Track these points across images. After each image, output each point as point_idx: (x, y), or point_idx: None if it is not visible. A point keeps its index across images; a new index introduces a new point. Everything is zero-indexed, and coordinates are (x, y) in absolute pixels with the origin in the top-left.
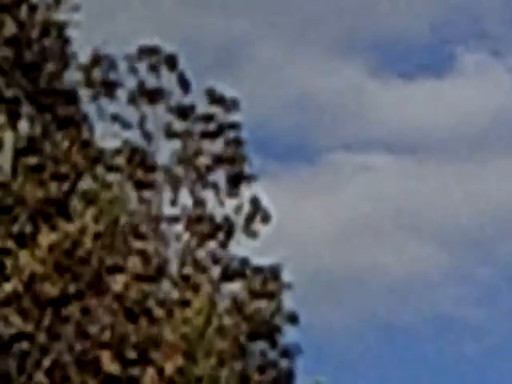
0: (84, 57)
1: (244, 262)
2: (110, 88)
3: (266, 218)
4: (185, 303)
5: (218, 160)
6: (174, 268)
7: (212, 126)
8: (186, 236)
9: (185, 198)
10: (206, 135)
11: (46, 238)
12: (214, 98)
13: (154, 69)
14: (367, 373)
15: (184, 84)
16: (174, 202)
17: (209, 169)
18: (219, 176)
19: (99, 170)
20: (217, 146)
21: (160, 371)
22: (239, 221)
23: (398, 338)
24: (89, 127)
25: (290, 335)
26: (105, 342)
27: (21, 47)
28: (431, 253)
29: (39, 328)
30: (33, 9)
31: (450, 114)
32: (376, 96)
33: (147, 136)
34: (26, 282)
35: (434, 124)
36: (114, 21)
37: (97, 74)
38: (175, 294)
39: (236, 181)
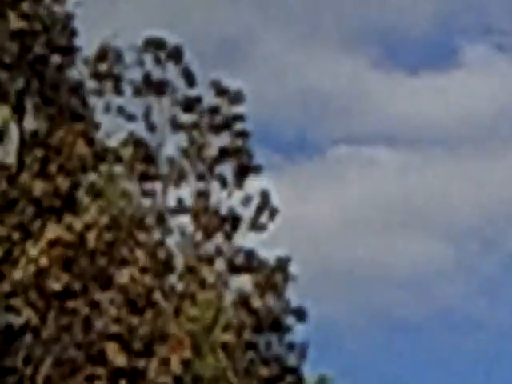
0: (91, 50)
1: (250, 254)
2: (116, 81)
3: (273, 213)
4: (191, 297)
5: (224, 152)
6: (179, 261)
7: (218, 119)
8: (191, 229)
9: (190, 190)
10: (212, 128)
11: (51, 231)
12: (220, 90)
13: (159, 61)
14: (373, 366)
15: (189, 77)
16: (179, 195)
17: (215, 161)
18: (225, 168)
19: (105, 163)
20: (223, 138)
21: (165, 364)
22: (245, 214)
23: (403, 331)
24: (95, 120)
25: (295, 329)
26: (111, 335)
27: (26, 40)
28: (436, 246)
29: (46, 321)
30: (37, 2)
31: (454, 107)
32: (380, 89)
33: (152, 128)
34: (33, 274)
35: (438, 117)
36: (120, 14)
37: (103, 67)
38: (181, 287)
39: (242, 173)
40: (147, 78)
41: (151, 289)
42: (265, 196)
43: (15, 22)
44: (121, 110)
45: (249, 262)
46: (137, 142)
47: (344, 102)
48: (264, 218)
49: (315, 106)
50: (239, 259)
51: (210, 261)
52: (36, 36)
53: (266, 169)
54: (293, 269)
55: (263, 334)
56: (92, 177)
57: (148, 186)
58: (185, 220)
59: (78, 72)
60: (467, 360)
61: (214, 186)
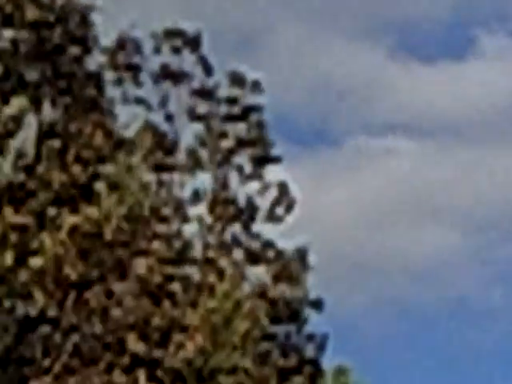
0: (109, 40)
1: (268, 244)
2: (134, 71)
3: (291, 205)
4: (209, 288)
5: (241, 142)
6: (196, 250)
7: (235, 109)
8: (208, 218)
9: (207, 180)
10: (230, 118)
11: (69, 221)
12: (237, 80)
13: (177, 51)
14: (389, 356)
15: (206, 66)
16: (196, 184)
17: (232, 151)
18: (242, 158)
19: (122, 153)
20: (240, 128)
21: (181, 350)
22: (263, 204)
23: (419, 321)
24: (112, 111)
25: (313, 319)
26: (129, 324)
27: (43, 31)
28: (452, 236)
29: (63, 310)
30: None
31: (471, 96)
32: (397, 79)
33: (170, 118)
34: (50, 263)
35: (454, 107)
36: (138, 3)
37: (121, 58)
38: (198, 277)
39: (260, 163)
40: (165, 67)
41: (168, 279)
42: (283, 187)
43: (31, 13)
44: (138, 100)
45: (267, 252)
46: (154, 132)
47: (361, 92)
48: (281, 209)
49: (332, 96)
50: (257, 249)
51: (227, 251)
52: (53, 26)
53: (284, 160)
54: (310, 259)
55: (281, 324)
56: (109, 167)
57: (165, 175)
58: (202, 210)
59: (96, 62)
60: (483, 350)
61: (232, 175)
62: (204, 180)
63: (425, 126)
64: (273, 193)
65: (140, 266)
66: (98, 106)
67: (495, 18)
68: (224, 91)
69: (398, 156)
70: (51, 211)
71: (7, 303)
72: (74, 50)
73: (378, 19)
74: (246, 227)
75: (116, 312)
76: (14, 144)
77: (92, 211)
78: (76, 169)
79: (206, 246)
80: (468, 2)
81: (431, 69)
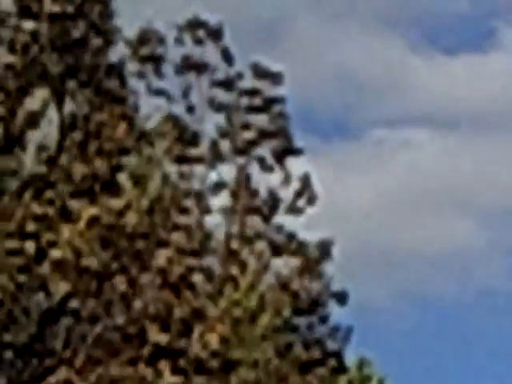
0: (132, 32)
1: (290, 236)
2: (156, 63)
3: (313, 199)
4: (231, 279)
5: (263, 134)
6: (218, 242)
7: (257, 100)
8: (230, 210)
9: (229, 171)
10: (252, 109)
11: (86, 211)
12: (259, 71)
13: (199, 41)
14: (413, 349)
15: (228, 57)
16: (218, 176)
17: (253, 143)
18: (264, 150)
19: (144, 145)
20: (262, 119)
21: (204, 341)
22: (285, 195)
23: (442, 312)
24: (134, 102)
25: (336, 311)
26: (151, 315)
27: (64, 23)
28: (474, 227)
29: (85, 301)
30: None
31: (492, 88)
32: (418, 71)
33: (191, 109)
34: (71, 254)
35: (476, 99)
36: None
37: (144, 50)
38: (219, 268)
39: (282, 155)
40: (187, 58)
41: (189, 270)
42: (305, 179)
43: (49, 5)
44: (160, 92)
45: (289, 244)
46: (175, 123)
47: (381, 84)
48: (303, 202)
49: (353, 88)
50: (280, 241)
51: (250, 242)
52: (74, 18)
53: (304, 152)
54: (334, 251)
55: (303, 316)
56: (132, 159)
57: (186, 167)
58: (224, 201)
59: (119, 54)
60: (506, 339)
61: (253, 167)
62: (225, 171)
63: (445, 118)
64: (294, 185)
65: (161, 257)
66: (120, 98)
67: None
68: (246, 83)
69: (418, 147)
70: (72, 203)
71: (29, 294)
72: (96, 42)
73: (400, 11)
74: (268, 219)
75: (137, 303)
76: (36, 136)
77: (112, 203)
78: (98, 161)
79: (229, 238)
80: None
81: (453, 60)
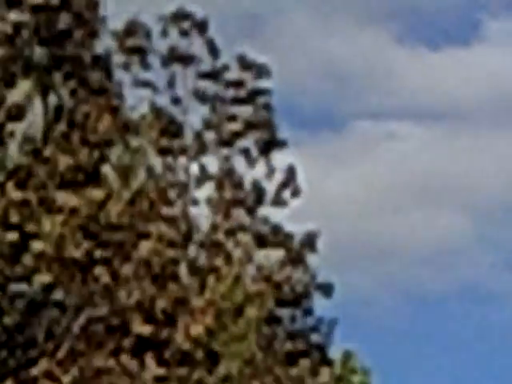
0: (117, 23)
1: (275, 228)
2: (142, 54)
3: (297, 191)
4: (215, 270)
5: (248, 125)
6: (203, 233)
7: (242, 92)
8: (214, 202)
9: (213, 163)
10: (237, 101)
11: (67, 202)
12: (245, 63)
13: (185, 33)
14: (397, 342)
15: (214, 49)
16: (202, 168)
17: (238, 134)
18: (249, 142)
19: (129, 136)
20: (247, 111)
21: (188, 332)
22: (269, 188)
23: (428, 306)
24: (119, 94)
25: (320, 304)
26: (134, 306)
27: (49, 14)
28: (460, 221)
29: (68, 292)
30: None
31: (476, 81)
32: (403, 64)
33: (176, 100)
34: (53, 245)
35: (460, 92)
36: None
37: (131, 42)
38: (204, 260)
39: (266, 147)
40: (173, 49)
41: (172, 260)
42: (291, 171)
43: None
44: (146, 83)
45: (274, 236)
46: (160, 114)
47: (367, 76)
48: (288, 193)
49: (338, 80)
50: (264, 233)
51: (233, 233)
52: (58, 10)
53: (289, 144)
54: (319, 243)
55: (287, 307)
56: (117, 151)
57: (171, 158)
58: (208, 192)
59: (104, 45)
60: (492, 335)
61: (238, 158)
62: (210, 163)
63: (431, 111)
64: (279, 177)
65: (143, 248)
66: (104, 89)
67: (500, 3)
68: (232, 74)
69: (403, 141)
70: (55, 194)
71: (13, 286)
72: (81, 33)
73: (385, 4)
74: (253, 211)
75: (121, 294)
76: (20, 128)
77: (94, 193)
78: (82, 153)
79: (213, 229)
80: None
81: (437, 54)
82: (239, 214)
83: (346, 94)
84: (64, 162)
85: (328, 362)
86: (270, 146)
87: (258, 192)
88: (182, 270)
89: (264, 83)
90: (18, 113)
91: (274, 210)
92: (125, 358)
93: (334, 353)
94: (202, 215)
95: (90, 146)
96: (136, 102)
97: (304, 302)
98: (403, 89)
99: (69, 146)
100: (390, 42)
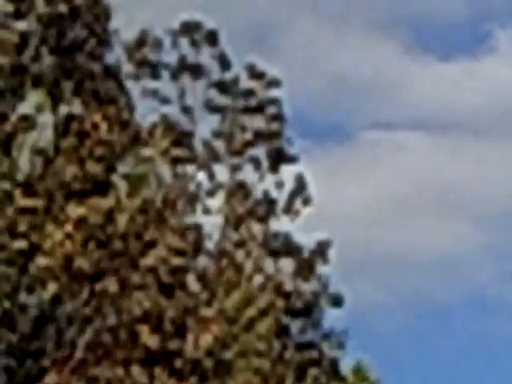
0: (128, 35)
1: (287, 238)
2: (153, 68)
3: (307, 200)
4: (225, 281)
5: (259, 136)
6: (213, 243)
7: (252, 102)
8: (225, 212)
9: (224, 173)
10: (247, 111)
11: (74, 212)
12: (255, 73)
13: (195, 45)
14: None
15: (224, 60)
16: (212, 177)
17: (249, 144)
18: (259, 152)
19: (138, 146)
20: (257, 121)
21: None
22: (280, 198)
23: (435, 316)
24: (130, 105)
25: (331, 314)
26: (142, 317)
27: (59, 25)
28: (468, 231)
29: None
30: None
31: (485, 92)
32: (412, 74)
33: (187, 110)
34: (60, 257)
35: (469, 103)
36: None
37: (141, 54)
38: (213, 269)
39: (277, 158)
40: (183, 61)
41: (181, 270)
42: (300, 181)
43: (41, 7)
44: (156, 94)
45: (284, 247)
46: (170, 125)
47: (376, 87)
48: (298, 204)
49: (346, 91)
50: (276, 243)
51: (244, 244)
52: (67, 20)
53: (298, 154)
54: (330, 253)
55: (296, 318)
56: (127, 161)
57: (181, 168)
58: (218, 203)
59: (115, 57)
60: (499, 344)
61: (248, 169)
62: (220, 173)
63: (438, 121)
64: (289, 187)
65: (151, 256)
66: (114, 100)
67: (510, 13)
68: (242, 84)
69: (412, 151)
70: (64, 204)
71: (22, 296)
72: (92, 44)
73: (394, 15)
74: (263, 221)
75: (129, 304)
76: (30, 139)
77: (100, 202)
78: (91, 165)
79: (223, 240)
80: None
81: (446, 63)
82: (250, 225)
83: (355, 104)
84: (71, 171)
85: (339, 374)
86: (280, 156)
87: (268, 202)
88: (191, 279)
89: (274, 93)
90: (27, 124)
91: (285, 220)
92: (135, 370)
93: (346, 364)
94: (213, 225)
95: (98, 158)
96: (146, 112)
97: (314, 311)
98: (412, 99)
99: (78, 156)
100: (399, 52)
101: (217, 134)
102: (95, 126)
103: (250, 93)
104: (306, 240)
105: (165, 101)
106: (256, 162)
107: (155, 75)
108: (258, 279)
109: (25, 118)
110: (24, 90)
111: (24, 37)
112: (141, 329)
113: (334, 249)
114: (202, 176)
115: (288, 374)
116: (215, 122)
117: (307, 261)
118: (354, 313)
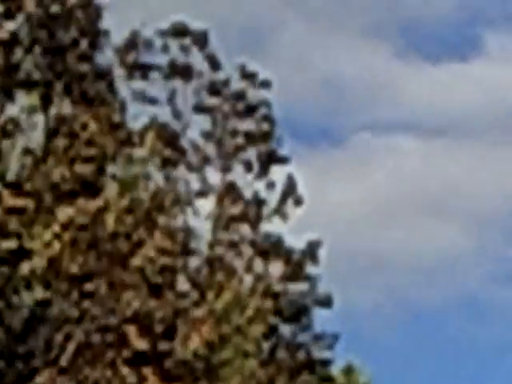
0: (118, 37)
1: (278, 240)
2: (144, 70)
3: (298, 202)
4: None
5: (249, 138)
6: (204, 246)
7: (243, 104)
8: (215, 214)
9: (214, 175)
10: (237, 113)
11: (62, 213)
12: (246, 73)
13: (185, 48)
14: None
15: (214, 62)
16: (203, 180)
17: (239, 147)
18: (250, 154)
19: (128, 147)
20: (248, 123)
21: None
22: (270, 200)
23: (426, 318)
24: (121, 107)
25: (322, 316)
26: (131, 318)
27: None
28: (458, 234)
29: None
30: None
31: (476, 95)
32: (402, 78)
33: (177, 113)
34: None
35: (460, 106)
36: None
37: (132, 56)
38: (204, 271)
39: (267, 160)
40: (173, 63)
41: (169, 270)
42: (291, 183)
43: (31, 7)
44: (146, 96)
45: (275, 249)
46: (160, 126)
47: (367, 90)
48: (289, 206)
49: (338, 94)
50: (265, 245)
51: (235, 246)
52: (60, 21)
53: (289, 156)
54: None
55: (287, 321)
56: (115, 163)
57: (171, 170)
58: (209, 204)
59: (106, 58)
60: (490, 347)
61: (238, 170)
62: (210, 176)
63: (430, 124)
64: (279, 189)
65: (139, 257)
66: (104, 101)
67: (500, 18)
68: (232, 85)
69: (402, 154)
70: (52, 206)
71: (14, 298)
72: (83, 45)
73: (384, 18)
74: (254, 223)
75: (118, 305)
76: (21, 141)
77: (88, 204)
78: (80, 166)
79: (214, 242)
80: (473, 1)
81: (437, 67)
82: (240, 227)
83: (347, 107)
84: (58, 173)
85: (330, 376)
86: (270, 157)
87: (259, 204)
88: (182, 281)
89: (265, 94)
90: (18, 126)
91: (276, 222)
92: (124, 370)
93: (337, 366)
94: (203, 227)
95: (88, 159)
96: (136, 114)
97: (304, 314)
98: (403, 102)
99: (68, 157)
100: (390, 55)
101: (208, 136)
102: (85, 127)
103: (240, 95)
104: (297, 241)
105: (155, 102)
106: (247, 164)
107: (146, 77)
108: (249, 280)
109: (13, 120)
110: (14, 91)
111: (14, 37)
112: (129, 330)
113: (324, 250)
114: (192, 178)
115: (279, 376)
116: (206, 124)
117: (297, 262)
118: (345, 314)
